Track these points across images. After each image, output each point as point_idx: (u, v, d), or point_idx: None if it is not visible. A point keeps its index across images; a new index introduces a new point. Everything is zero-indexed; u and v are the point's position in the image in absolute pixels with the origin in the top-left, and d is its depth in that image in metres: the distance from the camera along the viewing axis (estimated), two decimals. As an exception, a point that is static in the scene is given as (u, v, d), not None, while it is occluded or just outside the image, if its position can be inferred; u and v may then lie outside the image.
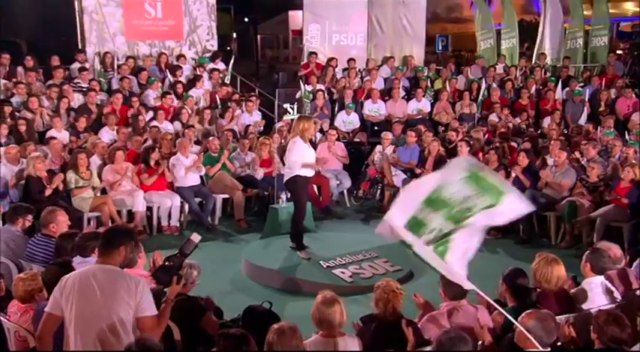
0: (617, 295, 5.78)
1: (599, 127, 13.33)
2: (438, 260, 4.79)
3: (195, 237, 5.19)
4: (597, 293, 5.72)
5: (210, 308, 5.95)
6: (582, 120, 14.37)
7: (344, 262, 8.91)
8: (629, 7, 44.37)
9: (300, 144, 9.18)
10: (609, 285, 5.82)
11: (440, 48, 24.96)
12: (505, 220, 4.96)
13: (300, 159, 9.15)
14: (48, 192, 9.71)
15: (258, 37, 44.66)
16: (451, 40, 41.17)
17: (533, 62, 18.55)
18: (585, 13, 20.09)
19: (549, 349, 4.52)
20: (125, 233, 4.70)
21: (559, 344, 4.89)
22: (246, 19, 46.21)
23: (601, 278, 5.83)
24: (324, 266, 8.75)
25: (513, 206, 4.84)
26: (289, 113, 10.59)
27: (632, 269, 6.45)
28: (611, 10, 43.91)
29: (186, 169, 10.92)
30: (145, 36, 16.36)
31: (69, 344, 4.33)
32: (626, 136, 12.87)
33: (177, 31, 16.70)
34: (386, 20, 18.47)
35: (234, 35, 53.53)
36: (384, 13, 18.44)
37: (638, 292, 5.93)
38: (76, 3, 15.72)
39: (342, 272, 8.60)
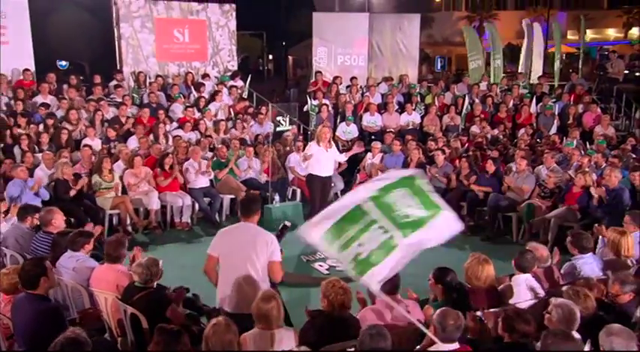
0: (541, 291, 5.48)
1: (565, 138, 12.97)
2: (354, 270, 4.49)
3: (288, 223, 6.76)
4: (522, 290, 5.43)
5: (179, 298, 5.78)
6: (552, 132, 14.01)
7: (323, 256, 8.70)
8: (611, 33, 43.86)
9: (313, 148, 9.25)
10: (534, 282, 5.52)
11: (439, 68, 24.73)
12: (438, 240, 4.58)
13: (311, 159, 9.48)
14: (72, 192, 9.64)
15: (290, 58, 44.81)
16: (455, 61, 40.92)
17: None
18: (569, 37, 19.87)
19: (456, 344, 4.23)
20: (258, 201, 5.79)
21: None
22: (283, 43, 46.52)
23: (526, 275, 5.54)
24: (305, 259, 8.59)
25: (448, 223, 4.59)
26: (282, 124, 10.43)
27: (560, 268, 6.15)
28: (595, 36, 43.47)
29: (196, 173, 10.79)
30: (174, 58, 16.35)
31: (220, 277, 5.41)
32: (588, 146, 12.49)
33: (202, 54, 16.69)
34: (384, 44, 18.32)
35: (270, 56, 53.81)
36: (383, 38, 18.30)
37: (564, 288, 5.62)
38: (115, 30, 15.71)
39: (320, 266, 8.45)
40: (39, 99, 13.23)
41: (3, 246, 6.75)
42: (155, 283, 5.40)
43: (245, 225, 5.48)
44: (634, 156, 11.32)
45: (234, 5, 17.07)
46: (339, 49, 17.91)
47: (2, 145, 11.22)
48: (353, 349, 4.35)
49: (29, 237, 6.79)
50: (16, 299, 4.85)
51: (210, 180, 11.15)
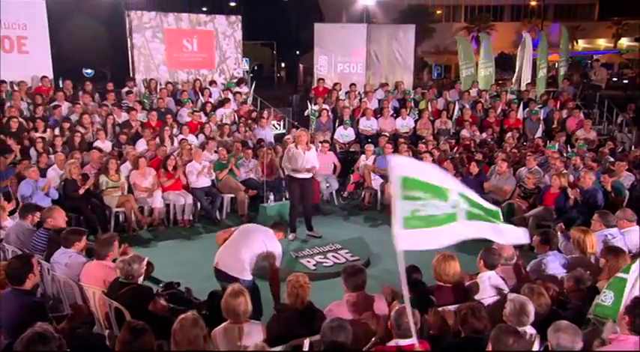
0: (506, 288, 5.35)
1: (548, 141, 12.79)
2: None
3: None
4: (488, 286, 5.31)
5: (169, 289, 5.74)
6: (537, 136, 13.80)
7: (311, 253, 8.62)
8: (602, 43, 43.49)
9: (292, 151, 9.07)
10: (499, 279, 5.39)
11: (435, 75, 24.57)
12: (499, 239, 4.49)
13: (288, 162, 9.15)
14: (81, 191, 9.60)
15: (300, 66, 44.76)
16: (454, 68, 40.73)
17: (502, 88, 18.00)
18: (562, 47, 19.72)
19: (412, 339, 4.11)
20: (282, 224, 6.94)
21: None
22: (297, 52, 46.55)
23: (492, 272, 5.41)
24: (294, 256, 8.44)
25: (514, 232, 4.46)
26: (276, 128, 10.31)
27: (526, 266, 6.03)
28: (586, 45, 43.09)
29: (198, 174, 10.72)
30: (183, 65, 16.32)
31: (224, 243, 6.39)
32: (569, 149, 12.31)
33: (209, 62, 16.64)
34: (382, 53, 18.29)
35: (283, 65, 53.81)
36: (380, 47, 18.27)
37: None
38: (128, 40, 15.70)
39: (308, 261, 8.29)
40: (57, 104, 13.21)
41: (5, 243, 6.71)
42: (140, 279, 5.31)
43: (264, 229, 6.49)
44: (612, 159, 11.13)
45: (239, 17, 17.04)
46: (339, 57, 17.96)
47: (20, 147, 11.22)
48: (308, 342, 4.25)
49: (29, 234, 6.73)
50: (2, 293, 4.79)
51: (212, 180, 11.06)
